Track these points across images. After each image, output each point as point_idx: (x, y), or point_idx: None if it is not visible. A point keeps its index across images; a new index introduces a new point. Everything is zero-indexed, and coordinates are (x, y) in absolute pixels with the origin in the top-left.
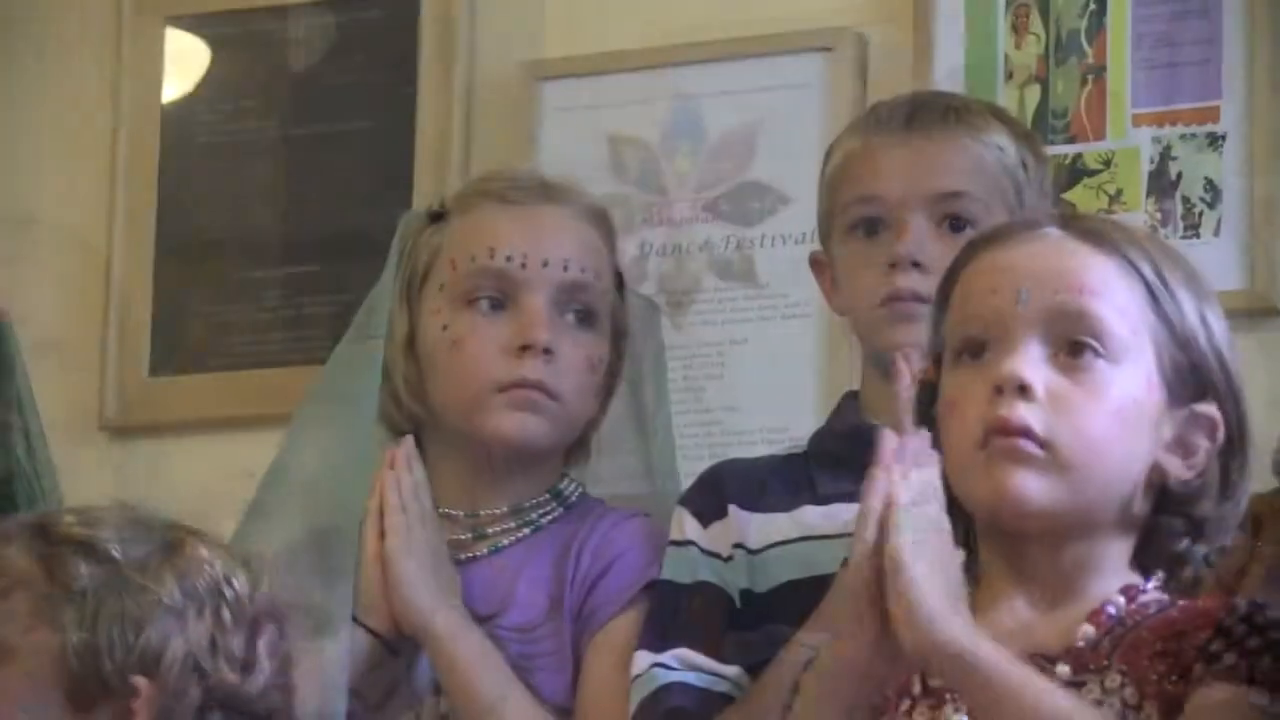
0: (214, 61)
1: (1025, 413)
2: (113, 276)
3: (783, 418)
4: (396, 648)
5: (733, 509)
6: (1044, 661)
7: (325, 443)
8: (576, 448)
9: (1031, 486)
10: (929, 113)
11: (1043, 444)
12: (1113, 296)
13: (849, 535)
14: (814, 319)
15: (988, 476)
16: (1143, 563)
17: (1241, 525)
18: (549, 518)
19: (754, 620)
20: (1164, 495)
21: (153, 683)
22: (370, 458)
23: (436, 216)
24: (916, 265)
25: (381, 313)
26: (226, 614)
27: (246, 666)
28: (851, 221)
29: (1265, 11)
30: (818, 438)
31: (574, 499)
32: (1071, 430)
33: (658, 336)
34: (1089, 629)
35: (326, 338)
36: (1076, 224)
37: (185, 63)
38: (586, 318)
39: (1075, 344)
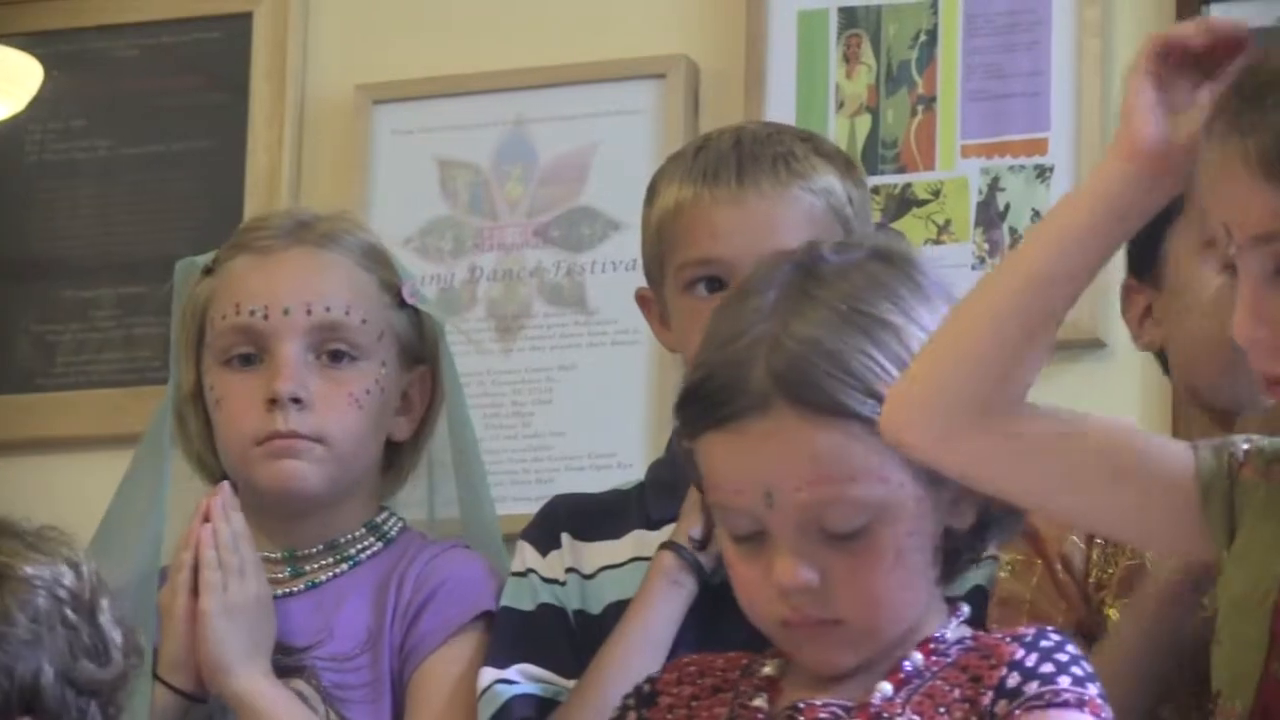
0: (46, 80)
1: (812, 609)
2: None
3: (611, 443)
4: (202, 701)
5: (566, 538)
6: (841, 712)
7: (129, 489)
8: (391, 476)
9: (843, 660)
10: (759, 166)
11: (839, 622)
12: (852, 471)
13: None
14: (643, 346)
15: (799, 654)
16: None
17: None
18: (367, 552)
19: (589, 638)
20: (953, 539)
21: (38, 716)
22: (163, 505)
23: (207, 271)
24: None
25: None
26: (71, 614)
27: (101, 652)
28: (690, 279)
29: (1093, 45)
30: (655, 467)
31: (393, 533)
32: (861, 601)
33: (448, 357)
34: (886, 686)
35: (157, 359)
36: (797, 392)
37: (16, 81)
38: (346, 354)
39: (839, 532)
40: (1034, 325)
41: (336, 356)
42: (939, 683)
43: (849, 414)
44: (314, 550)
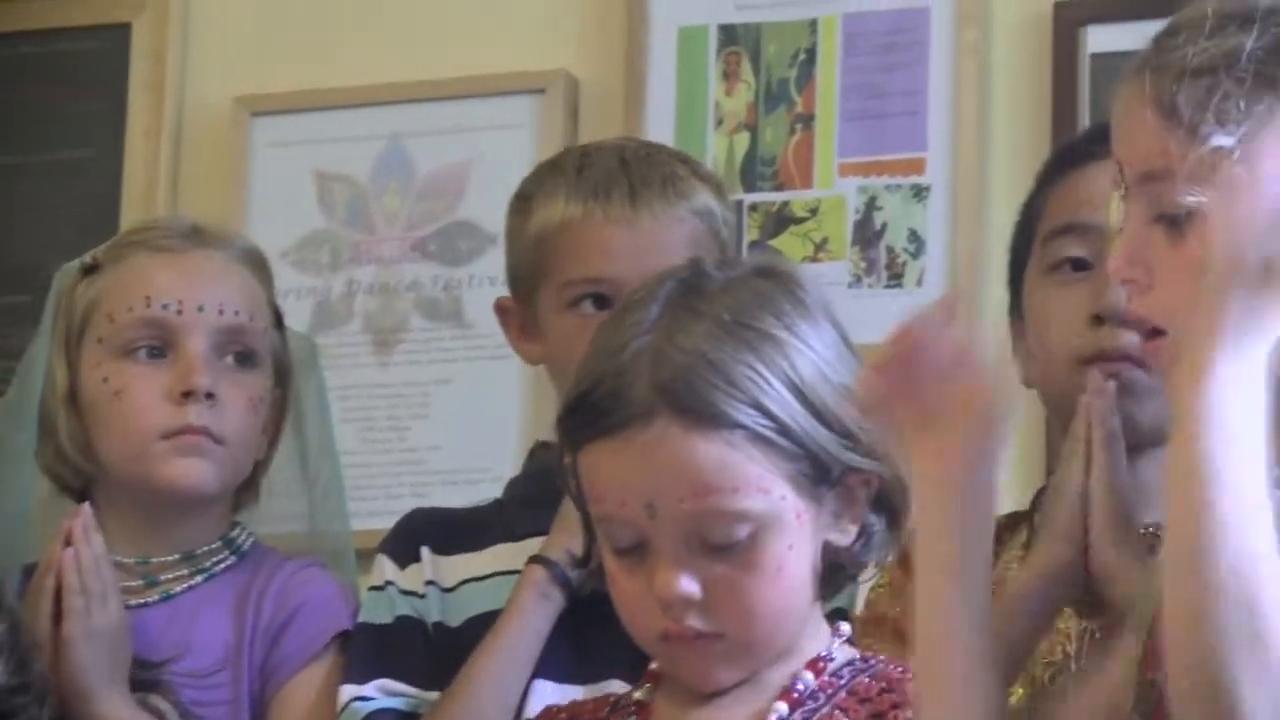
0: None
1: (693, 621)
2: None
3: (487, 458)
4: None
5: (425, 551)
6: None
7: None
8: (245, 491)
9: (722, 676)
10: (649, 188)
11: (717, 636)
12: (736, 482)
13: None
14: (519, 361)
15: (676, 669)
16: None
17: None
18: (222, 565)
19: (448, 651)
20: (835, 555)
21: None
22: (28, 517)
23: (89, 269)
24: None
25: (38, 368)
26: None
27: None
28: (577, 296)
29: (971, 65)
30: (512, 484)
31: (246, 546)
32: (740, 613)
33: (318, 376)
34: (782, 706)
35: None
36: (681, 401)
37: None
38: (246, 359)
39: (721, 544)
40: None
41: (240, 359)
42: (837, 712)
43: (732, 424)
44: (170, 559)
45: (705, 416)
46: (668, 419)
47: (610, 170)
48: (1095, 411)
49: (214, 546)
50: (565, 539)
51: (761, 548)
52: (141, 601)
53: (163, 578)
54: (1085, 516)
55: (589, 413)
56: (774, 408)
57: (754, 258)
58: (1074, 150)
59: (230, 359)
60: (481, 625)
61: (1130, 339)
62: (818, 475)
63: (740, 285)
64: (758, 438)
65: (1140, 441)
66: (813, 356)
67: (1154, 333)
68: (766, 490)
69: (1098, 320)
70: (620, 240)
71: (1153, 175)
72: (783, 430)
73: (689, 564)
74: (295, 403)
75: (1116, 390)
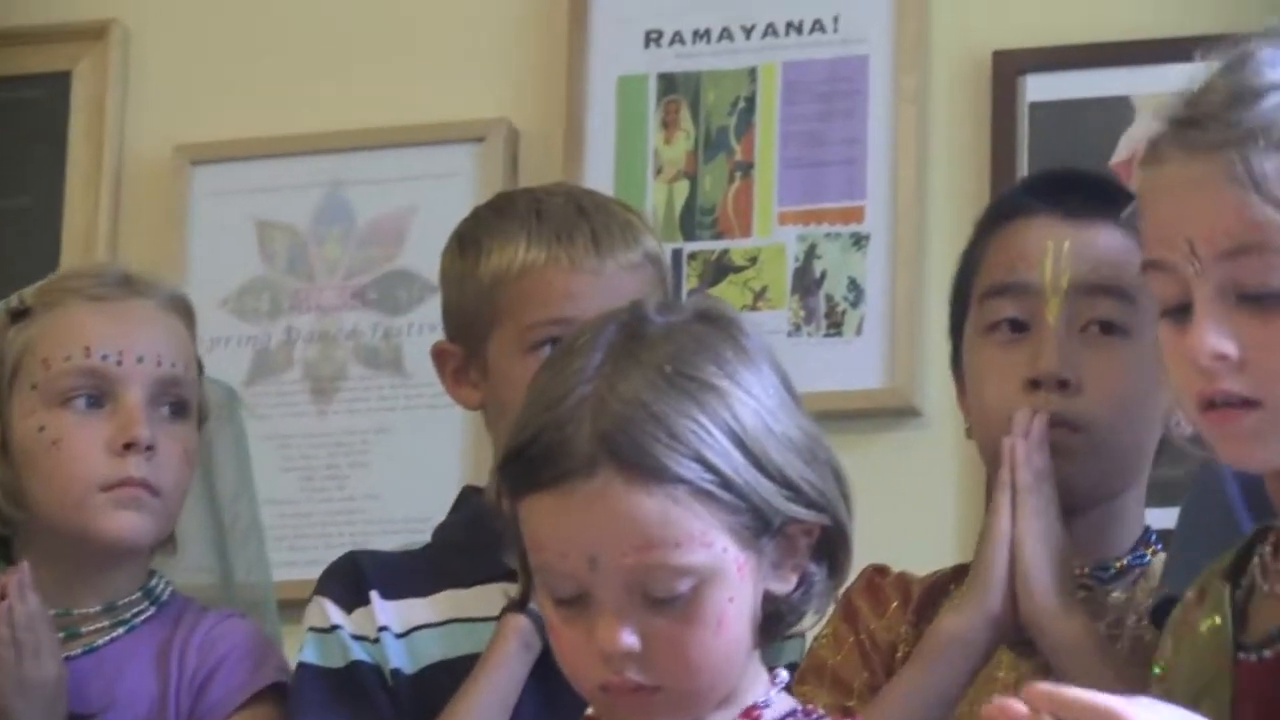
0: None
1: (632, 674)
2: None
3: (426, 507)
4: None
5: (374, 595)
6: None
7: None
8: (165, 541)
9: None
10: (611, 235)
11: (655, 689)
12: (678, 538)
13: (495, 619)
14: (459, 410)
15: (614, 717)
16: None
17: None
18: (142, 616)
19: (405, 698)
20: (774, 604)
21: None
22: None
23: (19, 314)
24: None
25: None
26: None
27: None
28: (540, 340)
29: (910, 113)
30: (443, 529)
31: (165, 596)
32: (678, 666)
33: (237, 424)
34: None
35: None
36: (623, 454)
37: None
38: (180, 410)
39: (663, 597)
40: None
41: (175, 410)
42: None
43: (674, 479)
44: (92, 611)
45: (648, 470)
46: (610, 472)
47: (570, 216)
48: (1019, 454)
49: (135, 597)
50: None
51: (702, 601)
52: (65, 654)
53: (84, 630)
54: (1013, 560)
55: (530, 464)
56: (717, 461)
57: (695, 301)
58: (1009, 203)
59: (166, 410)
60: (444, 673)
61: (1066, 403)
62: (759, 526)
63: (681, 332)
64: (700, 492)
65: (1076, 504)
66: (755, 405)
67: (1246, 403)
68: (709, 544)
69: (1034, 384)
70: (584, 285)
71: (1239, 251)
72: (725, 484)
73: (630, 617)
74: (206, 452)
75: (1052, 454)
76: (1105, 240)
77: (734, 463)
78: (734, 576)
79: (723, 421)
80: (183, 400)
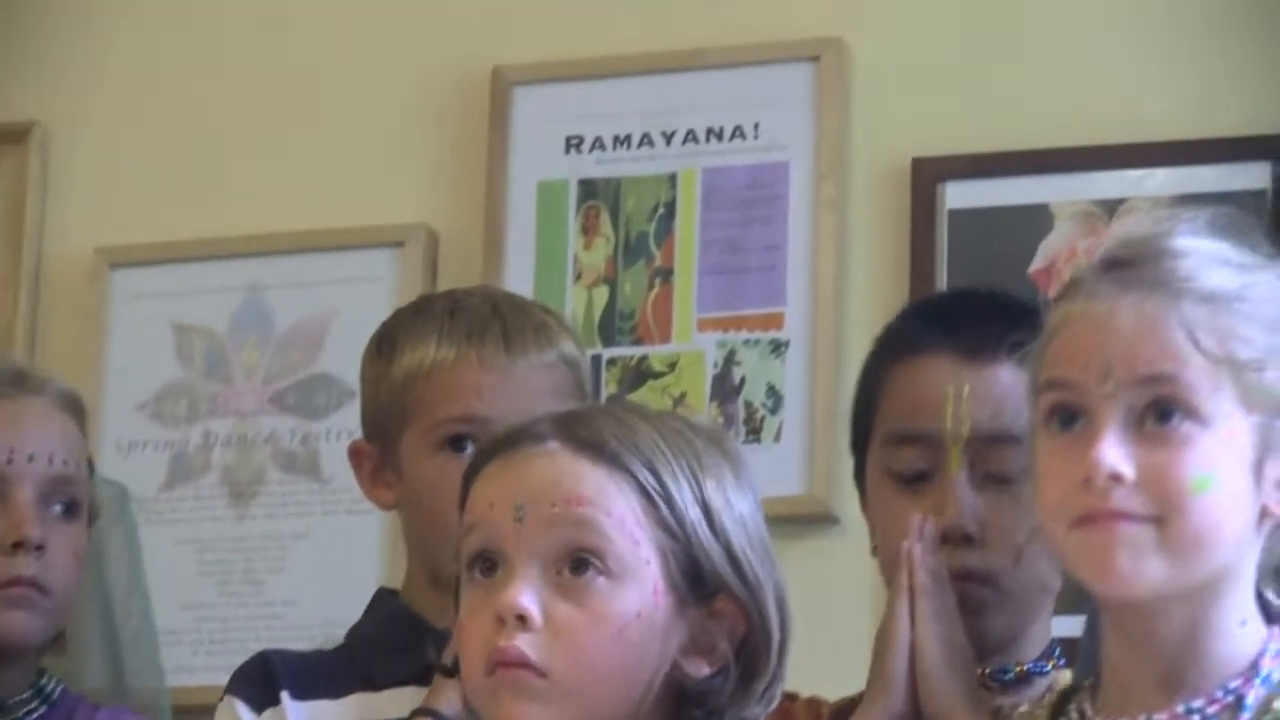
0: None
1: (523, 644)
2: None
3: (343, 611)
4: None
5: (285, 696)
6: None
7: None
8: (55, 639)
9: (533, 715)
10: (523, 335)
11: (542, 673)
12: (609, 508)
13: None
14: (377, 515)
15: (495, 704)
16: None
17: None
18: (34, 715)
19: None
20: (684, 691)
21: None
22: None
23: None
24: None
25: None
26: None
27: None
28: (449, 436)
29: (830, 221)
30: (357, 630)
31: (55, 695)
32: (571, 656)
33: (130, 522)
34: None
35: None
36: (578, 433)
37: None
38: (71, 509)
39: (576, 562)
40: None
41: (66, 509)
42: None
43: (622, 467)
44: None
45: (596, 449)
46: (560, 443)
47: (483, 315)
48: (915, 557)
49: (25, 696)
50: (450, 694)
51: (611, 599)
52: None
53: None
54: (912, 662)
55: (488, 445)
56: (667, 479)
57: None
58: (905, 338)
59: (57, 508)
60: None
61: (973, 556)
62: (689, 572)
63: (671, 417)
64: (642, 492)
65: (986, 651)
66: (723, 480)
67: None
68: (635, 543)
69: (940, 538)
70: (493, 382)
71: (1154, 379)
72: (668, 500)
73: (537, 588)
74: (99, 549)
75: (961, 608)
76: (1005, 380)
77: (684, 494)
78: (649, 595)
79: (687, 465)
80: (74, 499)
